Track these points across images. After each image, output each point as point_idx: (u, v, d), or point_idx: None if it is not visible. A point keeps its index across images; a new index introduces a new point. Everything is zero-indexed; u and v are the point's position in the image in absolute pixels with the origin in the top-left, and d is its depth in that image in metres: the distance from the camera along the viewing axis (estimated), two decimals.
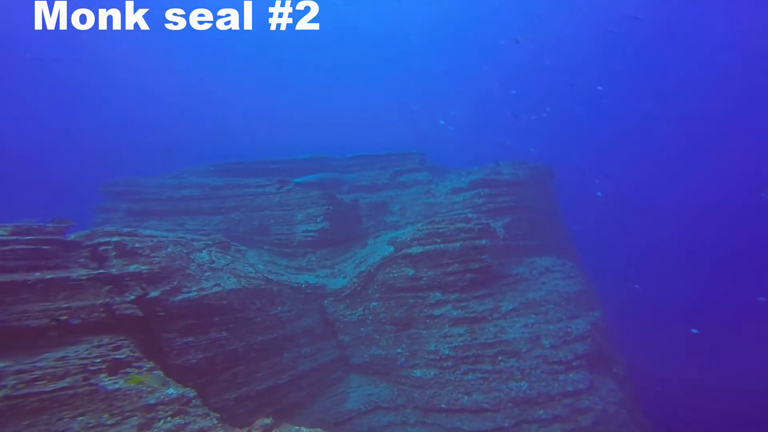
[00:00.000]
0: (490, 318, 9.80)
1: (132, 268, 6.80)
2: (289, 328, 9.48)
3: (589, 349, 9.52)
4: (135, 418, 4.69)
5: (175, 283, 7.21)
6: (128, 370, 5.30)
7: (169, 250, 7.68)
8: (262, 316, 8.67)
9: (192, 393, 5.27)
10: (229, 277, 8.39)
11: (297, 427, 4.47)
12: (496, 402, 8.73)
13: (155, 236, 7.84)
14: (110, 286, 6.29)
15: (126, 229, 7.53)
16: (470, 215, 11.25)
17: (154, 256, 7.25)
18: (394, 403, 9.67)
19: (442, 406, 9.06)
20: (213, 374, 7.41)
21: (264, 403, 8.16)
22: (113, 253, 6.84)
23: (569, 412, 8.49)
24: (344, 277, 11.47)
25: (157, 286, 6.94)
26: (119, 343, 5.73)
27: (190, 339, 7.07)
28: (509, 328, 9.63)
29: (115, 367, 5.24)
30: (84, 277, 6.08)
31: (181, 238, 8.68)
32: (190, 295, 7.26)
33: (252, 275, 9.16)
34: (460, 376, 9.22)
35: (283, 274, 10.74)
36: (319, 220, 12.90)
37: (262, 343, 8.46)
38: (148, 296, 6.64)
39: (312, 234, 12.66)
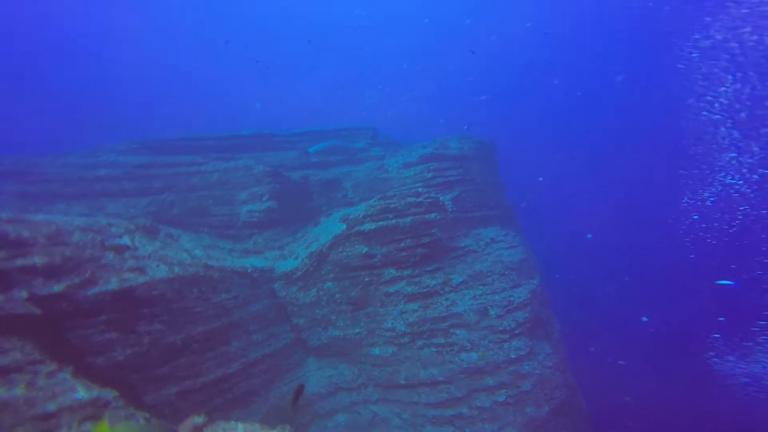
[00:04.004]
0: (441, 291, 10.08)
1: (19, 262, 5.68)
2: (237, 315, 8.88)
3: (529, 316, 10.25)
4: (20, 429, 3.95)
5: (87, 275, 6.23)
6: (14, 376, 4.50)
7: (75, 237, 6.55)
8: (203, 304, 7.96)
9: (112, 394, 4.69)
10: (158, 266, 7.47)
11: (233, 423, 4.13)
12: (449, 374, 9.11)
13: (53, 222, 6.60)
14: None
15: (5, 215, 6.20)
16: (420, 189, 11.26)
17: (53, 246, 6.15)
18: (356, 383, 9.71)
19: (401, 382, 9.27)
20: (148, 369, 6.73)
21: (212, 394, 7.67)
22: None
23: (513, 378, 9.14)
24: (295, 258, 10.96)
25: (60, 279, 5.93)
26: (6, 345, 4.85)
27: (113, 335, 6.28)
28: (459, 300, 9.99)
29: None
30: None
31: (94, 223, 7.48)
32: (109, 287, 6.36)
33: (187, 262, 8.28)
34: (416, 351, 9.45)
35: (226, 259, 9.92)
36: (264, 198, 12.07)
37: (205, 333, 7.83)
38: (47, 293, 5.67)
39: (257, 214, 11.83)
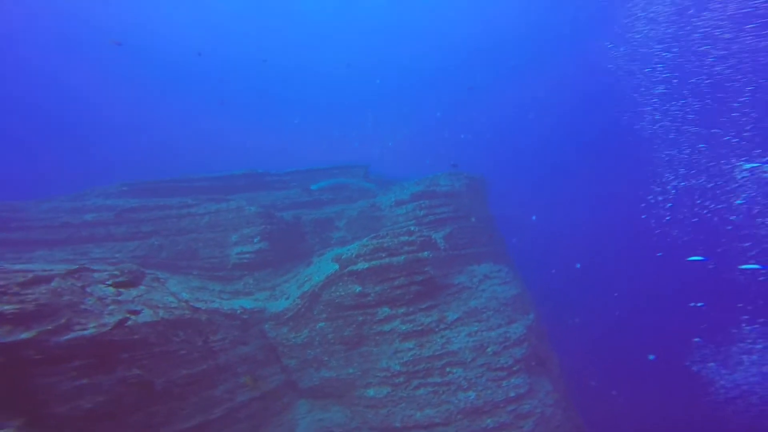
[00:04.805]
0: (436, 329, 9.86)
1: None
2: (224, 357, 8.50)
3: (526, 352, 10.04)
4: None
5: (63, 321, 6.04)
6: None
7: (53, 284, 6.42)
8: (188, 348, 7.64)
9: None
10: (142, 310, 7.27)
11: None
12: (446, 415, 8.70)
13: (31, 270, 6.52)
14: None
15: None
16: (412, 228, 11.39)
17: (27, 293, 6.00)
18: (348, 427, 9.17)
19: (397, 424, 8.80)
20: (122, 417, 6.35)
21: None
22: None
23: (513, 419, 8.77)
24: (287, 299, 10.73)
25: (30, 326, 5.73)
26: None
27: (84, 381, 5.95)
28: (455, 338, 9.77)
29: None
30: None
31: (76, 270, 7.38)
32: (86, 332, 6.14)
33: (173, 305, 8.05)
34: (411, 391, 9.07)
35: (214, 301, 9.67)
36: (255, 240, 12.03)
37: (188, 377, 7.45)
38: (11, 340, 5.42)
39: (248, 255, 11.74)
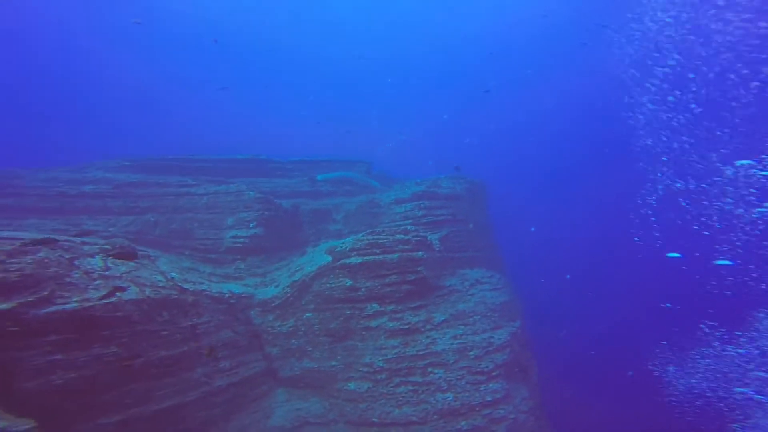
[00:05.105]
0: (423, 329, 9.90)
1: None
2: (206, 340, 8.49)
3: (508, 358, 10.09)
4: None
5: (45, 293, 5.97)
6: None
7: (40, 254, 6.35)
8: (171, 328, 7.62)
9: (27, 425, 4.40)
10: (129, 286, 7.23)
11: None
12: (423, 414, 8.78)
13: (18, 238, 6.43)
14: None
15: None
16: (409, 227, 11.38)
17: (12, 262, 5.92)
18: (325, 418, 9.22)
19: (374, 420, 8.87)
20: (95, 395, 6.30)
21: (163, 423, 7.12)
22: None
23: (486, 423, 8.86)
24: (276, 287, 10.75)
25: (10, 297, 5.65)
26: None
27: (58, 356, 5.87)
28: (440, 339, 9.80)
29: None
30: None
31: (65, 241, 7.34)
32: (67, 306, 6.07)
33: (161, 284, 8.04)
34: (392, 388, 9.13)
35: (203, 283, 9.68)
36: (251, 225, 12.03)
37: (168, 358, 7.41)
38: None
39: (242, 240, 11.73)
